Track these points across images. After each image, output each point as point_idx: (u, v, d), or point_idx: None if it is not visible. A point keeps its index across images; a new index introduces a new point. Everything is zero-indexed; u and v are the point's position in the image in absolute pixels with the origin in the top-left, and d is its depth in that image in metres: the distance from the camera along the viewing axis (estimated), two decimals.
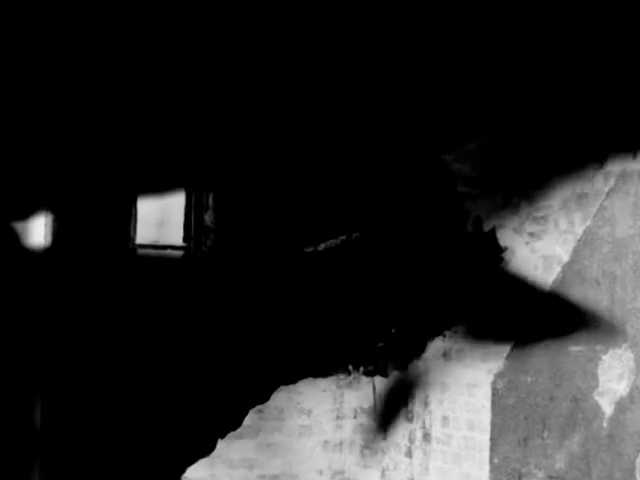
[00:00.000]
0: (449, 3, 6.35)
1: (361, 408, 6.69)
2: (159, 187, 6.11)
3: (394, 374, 6.70)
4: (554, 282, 6.00)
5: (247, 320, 6.33)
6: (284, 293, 6.45)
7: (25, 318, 5.64)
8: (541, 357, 5.97)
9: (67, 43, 5.62)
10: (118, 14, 5.81)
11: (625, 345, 5.82)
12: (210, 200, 6.28)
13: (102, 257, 5.87)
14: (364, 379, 6.67)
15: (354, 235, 6.62)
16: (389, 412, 6.72)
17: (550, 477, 5.92)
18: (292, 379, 6.47)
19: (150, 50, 5.99)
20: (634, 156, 5.64)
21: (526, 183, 6.20)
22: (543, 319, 5.99)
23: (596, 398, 5.86)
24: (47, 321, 5.70)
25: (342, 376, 6.61)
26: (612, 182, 5.80)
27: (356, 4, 6.40)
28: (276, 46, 6.33)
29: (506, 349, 6.10)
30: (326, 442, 6.57)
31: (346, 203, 6.64)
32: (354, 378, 6.64)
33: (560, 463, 5.91)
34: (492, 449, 5.97)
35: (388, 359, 6.72)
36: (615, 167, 5.79)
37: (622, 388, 5.76)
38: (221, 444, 6.26)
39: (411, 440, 6.52)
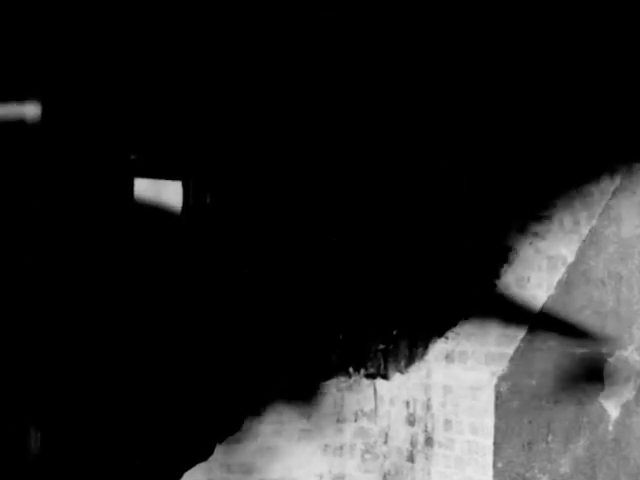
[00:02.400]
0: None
1: (362, 411, 6.65)
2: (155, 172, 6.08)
3: (395, 377, 6.66)
4: (559, 283, 5.98)
5: (245, 322, 6.31)
6: (282, 293, 6.42)
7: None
8: (546, 359, 5.95)
9: None
10: None
11: (631, 347, 5.84)
12: (208, 199, 6.24)
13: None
14: (365, 382, 6.65)
15: (355, 234, 6.61)
16: (390, 416, 6.67)
17: None
18: (291, 382, 6.43)
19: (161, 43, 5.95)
20: None
21: (531, 181, 6.19)
22: (547, 321, 5.98)
23: (601, 401, 5.86)
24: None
25: (342, 379, 6.59)
26: (618, 181, 5.80)
27: (356, 5, 6.39)
28: (279, 44, 6.29)
29: (510, 351, 6.09)
30: (326, 446, 6.53)
31: (345, 202, 6.62)
32: (355, 381, 6.62)
33: (565, 467, 5.91)
34: (496, 453, 5.95)
35: (389, 361, 6.69)
36: (621, 165, 5.78)
37: (628, 391, 5.78)
38: (219, 448, 6.23)
39: (413, 444, 6.49)
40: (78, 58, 5.75)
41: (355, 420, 6.64)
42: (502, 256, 6.30)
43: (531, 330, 6.00)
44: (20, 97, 5.56)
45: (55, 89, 5.73)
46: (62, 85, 5.74)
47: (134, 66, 5.93)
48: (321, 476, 6.52)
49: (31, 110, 5.59)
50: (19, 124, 5.64)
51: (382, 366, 6.70)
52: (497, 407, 6.00)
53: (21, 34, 5.60)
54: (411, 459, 6.52)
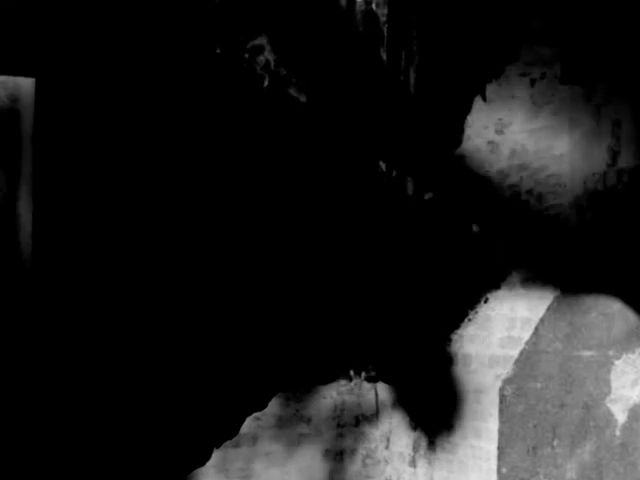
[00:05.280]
0: None
1: (363, 416, 6.64)
2: None
3: (397, 380, 6.65)
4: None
5: (243, 324, 6.28)
6: (282, 296, 6.40)
7: None
8: (551, 362, 5.93)
9: None
10: None
11: (639, 350, 5.80)
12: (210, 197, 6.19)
13: None
14: (366, 385, 6.65)
15: (356, 234, 6.59)
16: (392, 420, 6.64)
17: None
18: (291, 385, 6.40)
19: None
20: None
21: (535, 181, 6.16)
22: (552, 323, 5.95)
23: (608, 405, 5.84)
24: None
25: (343, 382, 6.58)
26: (625, 179, 5.77)
27: None
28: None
29: (514, 353, 6.06)
30: (327, 451, 6.51)
31: (348, 204, 6.58)
32: (355, 384, 6.62)
33: (571, 473, 5.89)
34: (500, 458, 5.92)
35: (391, 364, 6.67)
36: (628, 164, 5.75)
37: (636, 395, 5.77)
38: (217, 453, 6.20)
39: (415, 449, 6.48)
40: None
41: (356, 424, 6.63)
42: (508, 257, 6.27)
43: (536, 332, 5.97)
44: None
45: None
46: None
47: None
48: None
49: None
50: None
51: (384, 369, 6.70)
52: (501, 411, 5.97)
53: None
54: (413, 464, 6.50)
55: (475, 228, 6.42)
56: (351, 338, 6.61)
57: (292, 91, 6.24)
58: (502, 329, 6.17)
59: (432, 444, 6.37)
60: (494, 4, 6.25)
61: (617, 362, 5.83)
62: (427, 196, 6.63)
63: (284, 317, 6.40)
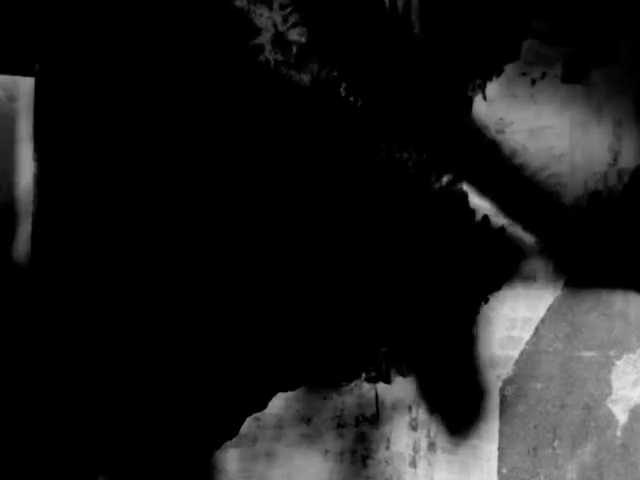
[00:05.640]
0: None
1: (363, 416, 6.61)
2: None
3: (397, 380, 6.62)
4: (566, 283, 5.91)
5: (243, 324, 6.25)
6: (281, 295, 6.37)
7: None
8: (552, 363, 5.90)
9: None
10: None
11: None
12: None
13: None
14: (366, 386, 6.61)
15: (356, 234, 6.57)
16: (392, 420, 6.62)
17: None
18: (291, 386, 6.38)
19: None
20: None
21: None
22: (553, 323, 5.92)
23: (609, 406, 5.80)
24: None
25: (343, 383, 6.55)
26: (626, 179, 5.74)
27: None
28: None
29: (515, 354, 6.03)
30: (326, 452, 6.48)
31: (349, 205, 6.56)
32: (355, 385, 6.59)
33: (571, 474, 5.85)
34: (500, 459, 5.89)
35: (391, 364, 6.64)
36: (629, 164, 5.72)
37: (637, 395, 5.72)
38: (217, 453, 6.17)
39: (415, 450, 6.45)
40: None
41: (356, 425, 6.60)
42: (508, 257, 6.24)
43: (537, 332, 5.95)
44: None
45: None
46: None
47: None
48: None
49: None
50: None
51: (384, 369, 6.67)
52: (502, 411, 5.95)
53: None
54: (414, 465, 6.48)
55: (475, 228, 6.40)
56: (351, 338, 6.58)
57: (292, 91, 6.22)
58: (502, 329, 6.14)
59: (432, 445, 6.34)
60: (494, 3, 6.23)
61: (618, 362, 5.80)
62: (437, 184, 6.61)
63: (284, 317, 6.38)
